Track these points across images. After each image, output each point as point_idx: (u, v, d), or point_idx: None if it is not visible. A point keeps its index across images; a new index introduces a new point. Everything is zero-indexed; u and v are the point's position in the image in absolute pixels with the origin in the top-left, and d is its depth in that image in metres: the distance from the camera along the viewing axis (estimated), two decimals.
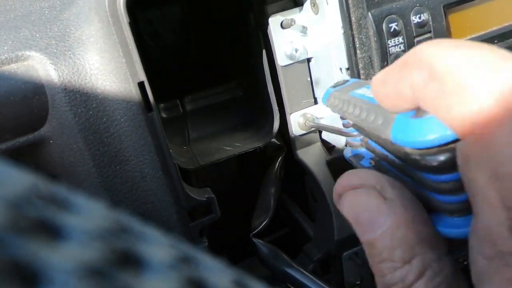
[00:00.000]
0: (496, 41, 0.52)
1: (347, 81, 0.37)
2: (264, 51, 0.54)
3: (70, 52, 0.43)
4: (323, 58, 0.52)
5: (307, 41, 0.53)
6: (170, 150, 0.46)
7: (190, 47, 0.68)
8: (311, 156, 0.56)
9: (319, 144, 0.57)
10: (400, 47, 0.47)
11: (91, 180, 0.44)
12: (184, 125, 0.64)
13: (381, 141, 0.29)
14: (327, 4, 0.48)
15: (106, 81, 0.43)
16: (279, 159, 0.61)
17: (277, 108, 0.56)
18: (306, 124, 0.55)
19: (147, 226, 0.14)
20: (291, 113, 0.55)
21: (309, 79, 0.55)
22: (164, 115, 0.64)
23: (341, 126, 0.37)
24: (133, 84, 0.43)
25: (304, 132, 0.56)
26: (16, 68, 0.42)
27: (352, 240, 0.57)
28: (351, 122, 0.34)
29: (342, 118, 0.36)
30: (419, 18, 0.47)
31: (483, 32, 0.51)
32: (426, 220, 0.26)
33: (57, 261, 0.10)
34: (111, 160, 0.44)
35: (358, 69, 0.47)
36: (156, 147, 0.45)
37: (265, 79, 0.55)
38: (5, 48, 0.42)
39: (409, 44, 0.47)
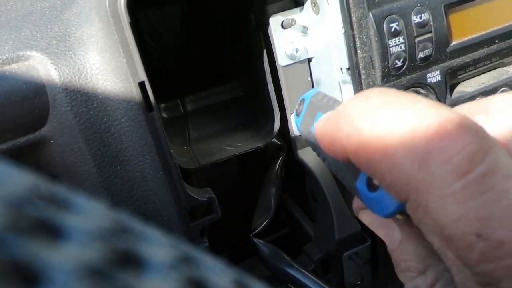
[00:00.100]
0: (496, 41, 0.52)
1: (303, 101, 0.36)
2: (264, 51, 0.54)
3: (71, 52, 0.43)
4: (323, 58, 0.52)
5: (308, 41, 0.53)
6: (171, 150, 0.46)
7: (190, 47, 0.68)
8: (312, 156, 0.56)
9: None
10: (400, 47, 0.47)
11: (91, 180, 0.44)
12: (184, 125, 0.64)
13: None
14: (328, 4, 0.48)
15: (107, 81, 0.43)
16: (280, 159, 0.61)
17: (277, 108, 0.56)
18: None
19: (147, 226, 0.14)
20: (291, 113, 0.55)
21: (309, 79, 0.55)
22: (164, 115, 0.64)
23: None
24: (133, 84, 0.43)
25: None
26: (17, 68, 0.42)
27: (353, 240, 0.57)
28: None
29: None
30: (420, 18, 0.47)
31: (483, 32, 0.51)
32: None
33: (58, 261, 0.10)
34: (112, 160, 0.44)
35: (359, 69, 0.47)
36: (156, 147, 0.45)
37: (266, 79, 0.55)
38: (6, 48, 0.42)
39: (410, 44, 0.47)
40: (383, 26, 0.46)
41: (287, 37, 0.52)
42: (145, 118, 0.44)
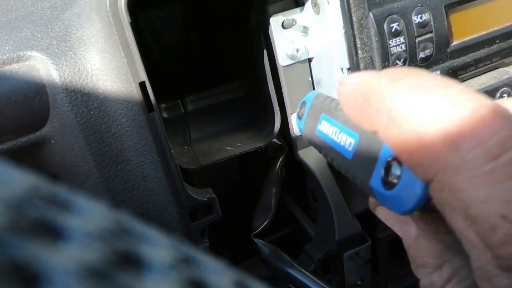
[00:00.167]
0: (497, 41, 0.52)
1: (304, 104, 0.36)
2: (265, 51, 0.54)
3: (71, 52, 0.43)
4: (324, 58, 0.52)
5: (308, 41, 0.53)
6: (171, 150, 0.46)
7: (191, 47, 0.68)
8: (312, 156, 0.56)
9: None
10: (401, 47, 0.47)
11: (92, 180, 0.44)
12: (185, 125, 0.64)
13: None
14: (328, 4, 0.48)
15: (107, 81, 0.43)
16: (280, 159, 0.61)
17: (278, 108, 0.56)
18: None
19: (147, 227, 0.14)
20: (292, 113, 0.55)
21: (310, 79, 0.55)
22: (165, 115, 0.64)
23: None
24: (134, 84, 0.43)
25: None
26: (17, 68, 0.42)
27: (353, 240, 0.57)
28: None
29: None
30: (421, 18, 0.47)
31: (484, 32, 0.51)
32: (450, 230, 0.27)
33: (58, 262, 0.10)
34: (112, 160, 0.44)
35: (360, 69, 0.47)
36: (157, 147, 0.45)
37: (266, 79, 0.55)
38: (7, 48, 0.42)
39: (411, 44, 0.47)
40: (383, 26, 0.46)
41: (287, 37, 0.52)
42: (146, 118, 0.44)
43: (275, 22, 0.51)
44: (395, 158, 0.25)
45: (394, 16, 0.46)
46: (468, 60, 0.51)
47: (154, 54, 0.66)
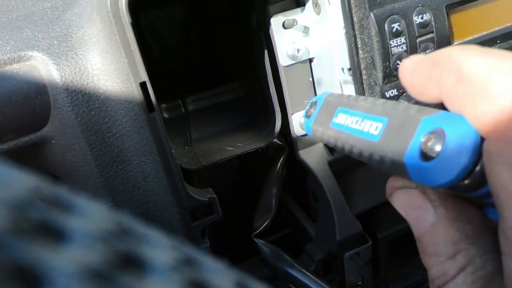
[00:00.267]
0: (498, 42, 0.52)
1: (315, 103, 0.37)
2: (266, 52, 0.54)
3: (72, 52, 0.43)
4: (325, 58, 0.52)
5: (309, 41, 0.53)
6: (172, 150, 0.46)
7: (192, 47, 0.68)
8: (313, 157, 0.56)
9: (321, 144, 0.57)
10: (402, 48, 0.47)
11: (93, 180, 0.44)
12: (186, 125, 0.64)
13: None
14: (329, 4, 0.48)
15: (108, 81, 0.43)
16: (281, 159, 0.61)
17: (279, 108, 0.56)
18: None
19: (149, 228, 0.14)
20: (293, 113, 0.55)
21: (311, 79, 0.55)
22: (166, 115, 0.64)
23: None
24: (135, 84, 0.43)
25: (306, 132, 0.56)
26: (18, 68, 0.42)
27: (354, 240, 0.57)
28: None
29: None
30: (421, 18, 0.47)
31: (485, 33, 0.51)
32: (470, 218, 0.27)
33: (59, 264, 0.10)
34: (113, 160, 0.44)
35: (360, 69, 0.47)
36: (158, 147, 0.45)
37: (267, 79, 0.55)
38: (8, 48, 0.42)
39: (411, 45, 0.47)
40: (384, 26, 0.46)
41: (288, 37, 0.52)
42: (146, 118, 0.44)
43: (275, 22, 0.51)
44: (436, 130, 0.25)
45: (395, 16, 0.46)
46: None
47: (155, 54, 0.66)
